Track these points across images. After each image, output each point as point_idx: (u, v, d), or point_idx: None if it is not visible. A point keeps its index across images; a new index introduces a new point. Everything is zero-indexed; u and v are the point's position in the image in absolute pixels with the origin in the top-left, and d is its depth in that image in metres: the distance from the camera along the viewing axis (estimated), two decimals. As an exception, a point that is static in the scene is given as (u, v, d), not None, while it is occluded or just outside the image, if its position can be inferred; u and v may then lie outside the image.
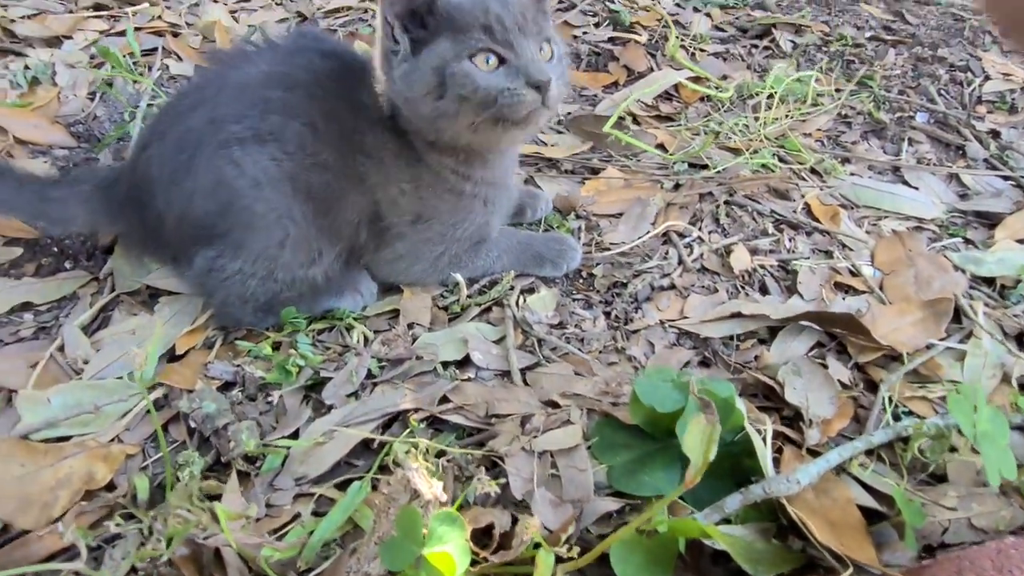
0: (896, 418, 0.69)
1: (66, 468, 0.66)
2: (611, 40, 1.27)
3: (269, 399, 0.73)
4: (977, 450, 0.65)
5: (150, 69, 1.18)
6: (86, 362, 0.77)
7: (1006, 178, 1.03)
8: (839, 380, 0.72)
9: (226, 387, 0.75)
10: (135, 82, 1.12)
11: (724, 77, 1.20)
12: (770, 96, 1.12)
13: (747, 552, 0.54)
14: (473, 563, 0.54)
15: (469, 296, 0.82)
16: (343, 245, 0.77)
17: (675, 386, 0.63)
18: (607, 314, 0.81)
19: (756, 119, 1.08)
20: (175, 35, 1.27)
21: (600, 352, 0.76)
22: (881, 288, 0.86)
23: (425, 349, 0.75)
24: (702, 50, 1.26)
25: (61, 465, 0.66)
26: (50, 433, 0.70)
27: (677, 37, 1.24)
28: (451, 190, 0.77)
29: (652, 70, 1.20)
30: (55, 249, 0.90)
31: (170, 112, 0.77)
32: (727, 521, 0.59)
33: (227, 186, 0.71)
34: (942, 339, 0.78)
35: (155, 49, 1.22)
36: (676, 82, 1.15)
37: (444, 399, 0.69)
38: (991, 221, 0.96)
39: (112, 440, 0.70)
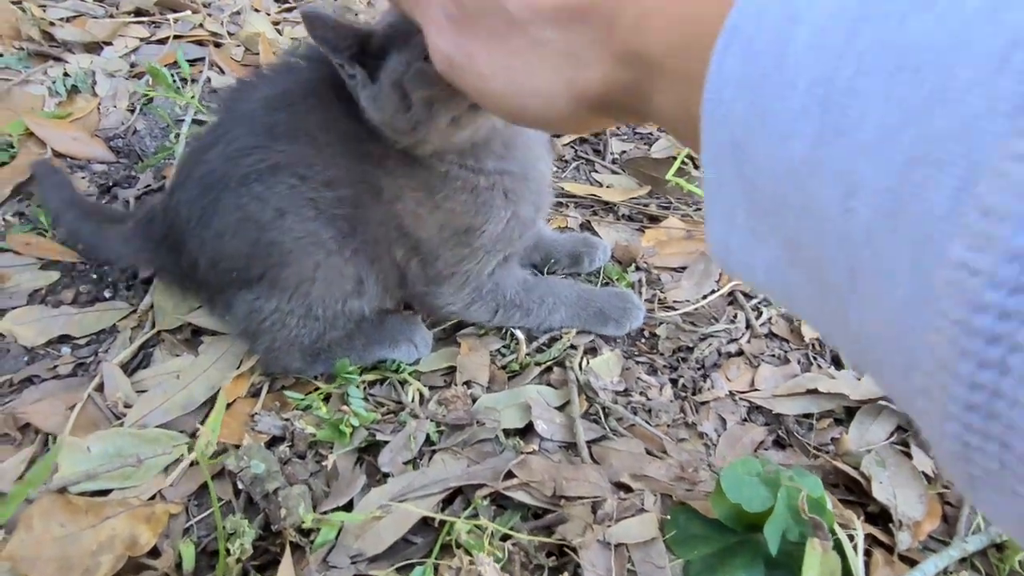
0: (988, 521, 0.65)
1: (108, 530, 0.63)
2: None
3: (320, 459, 0.69)
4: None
5: (192, 81, 1.14)
6: (127, 406, 0.73)
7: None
8: (923, 472, 0.68)
9: (273, 442, 0.71)
10: (177, 96, 1.08)
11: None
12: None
13: None
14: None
15: (528, 354, 0.78)
16: (387, 273, 0.73)
17: (763, 481, 0.60)
18: (673, 381, 0.77)
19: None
20: (217, 45, 1.23)
21: (669, 426, 0.72)
22: (956, 364, 0.82)
23: (486, 414, 0.71)
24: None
25: (103, 526, 0.63)
26: (89, 486, 0.66)
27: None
28: (463, 187, 0.70)
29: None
30: (93, 276, 0.86)
31: (193, 153, 0.73)
32: (817, 636, 0.55)
33: (253, 222, 0.67)
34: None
35: (199, 59, 1.18)
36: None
37: (509, 474, 0.65)
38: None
39: (154, 497, 0.67)
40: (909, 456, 0.69)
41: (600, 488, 0.64)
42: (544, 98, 0.37)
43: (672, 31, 0.30)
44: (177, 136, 1.03)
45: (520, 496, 0.65)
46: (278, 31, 1.28)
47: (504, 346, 0.79)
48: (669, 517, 0.63)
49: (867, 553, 0.61)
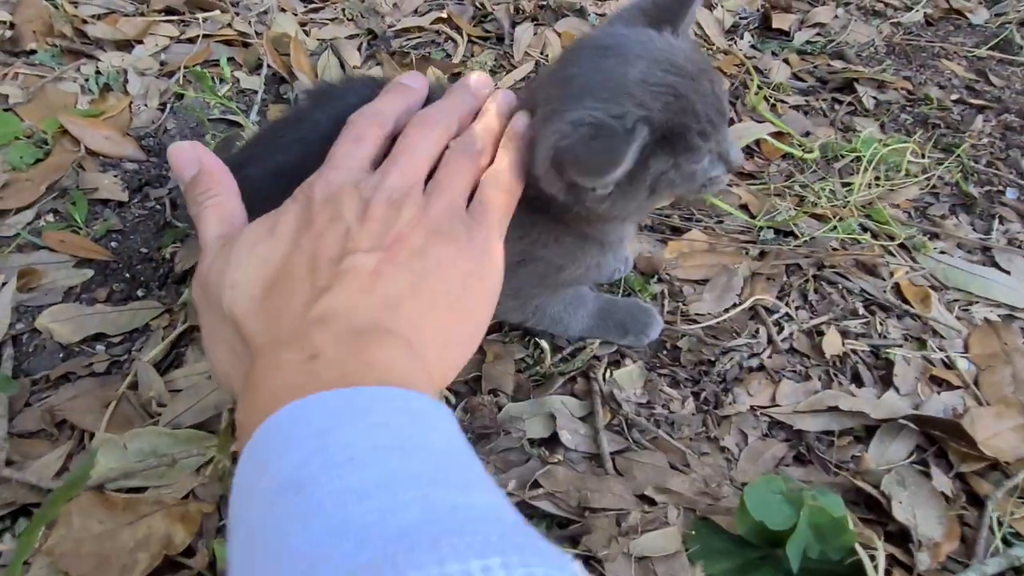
0: (1006, 542, 0.66)
1: (144, 528, 0.64)
2: (691, 84, 1.24)
3: (347, 461, 0.71)
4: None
5: (221, 81, 1.16)
6: (161, 405, 0.75)
7: (1102, 267, 0.99)
8: (942, 492, 0.69)
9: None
10: (214, 97, 1.09)
11: (807, 133, 1.16)
12: (857, 159, 1.09)
13: None
14: None
15: (553, 364, 0.79)
16: None
17: (786, 499, 0.61)
18: (695, 395, 0.78)
19: (845, 185, 1.05)
20: (245, 45, 1.25)
21: (691, 439, 0.73)
22: (976, 384, 0.83)
23: (512, 423, 0.72)
24: (783, 101, 1.23)
25: (140, 524, 0.65)
26: (125, 483, 0.68)
27: (759, 87, 1.21)
28: (570, 231, 0.68)
29: (732, 122, 1.17)
30: (127, 274, 0.88)
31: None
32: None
33: None
34: (1044, 450, 0.75)
35: (228, 59, 1.19)
36: (758, 137, 1.12)
37: (535, 484, 0.67)
38: (1087, 315, 0.93)
39: (187, 496, 0.68)
40: (929, 476, 0.70)
41: (624, 500, 0.65)
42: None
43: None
44: (213, 136, 1.05)
45: (545, 506, 0.66)
46: (305, 31, 1.29)
47: (528, 355, 0.81)
48: (692, 531, 0.64)
49: (887, 573, 0.62)
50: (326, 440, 0.33)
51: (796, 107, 1.23)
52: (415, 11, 1.36)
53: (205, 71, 1.10)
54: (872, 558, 0.59)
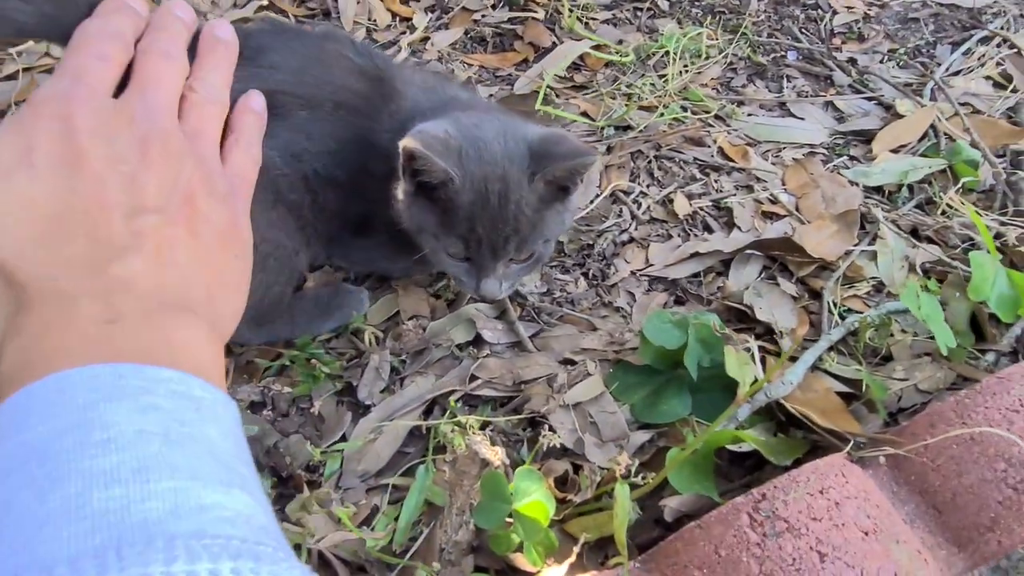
0: (842, 317, 0.83)
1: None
2: (510, 20, 1.34)
3: (302, 412, 0.78)
4: (906, 330, 0.81)
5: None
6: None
7: (869, 99, 1.20)
8: (790, 295, 0.86)
9: (253, 408, 0.78)
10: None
11: (620, 41, 1.30)
12: (666, 54, 1.24)
13: (767, 447, 0.66)
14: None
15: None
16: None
17: (674, 325, 0.74)
18: (584, 275, 0.90)
19: (661, 77, 1.20)
20: (66, 70, 1.22)
21: (590, 308, 0.86)
22: (797, 210, 1.00)
23: (438, 338, 0.82)
24: (593, 19, 1.36)
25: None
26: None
27: (570, 10, 1.33)
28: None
29: (555, 44, 1.29)
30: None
31: None
32: (740, 427, 0.71)
33: None
34: (855, 245, 0.93)
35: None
36: (581, 52, 1.25)
37: (472, 378, 0.77)
38: (866, 138, 1.13)
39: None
40: (777, 284, 0.87)
41: (550, 367, 0.77)
42: None
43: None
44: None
45: (486, 392, 0.76)
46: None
47: (434, 279, 0.90)
48: (610, 373, 0.76)
49: (762, 360, 0.77)
50: (89, 415, 0.31)
51: (605, 21, 1.37)
52: (234, 3, 1.37)
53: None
54: (747, 350, 0.74)
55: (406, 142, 0.65)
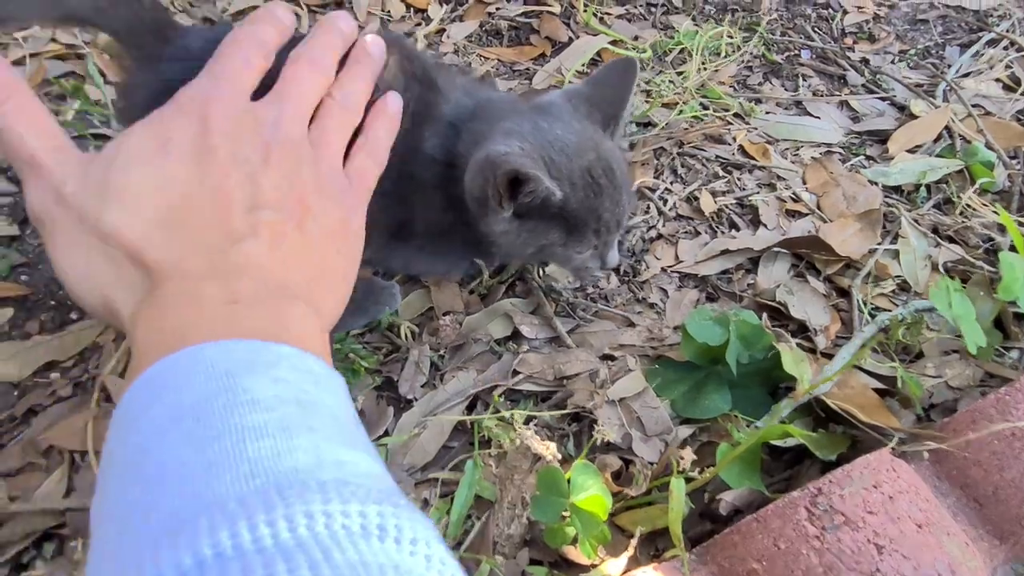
0: (872, 315, 0.85)
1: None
2: (525, 14, 1.34)
3: (341, 406, 0.78)
4: (932, 327, 0.83)
5: (66, 99, 1.12)
6: (143, 409, 0.77)
7: (883, 99, 1.23)
8: (820, 292, 0.87)
9: (291, 404, 0.78)
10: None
11: (635, 37, 1.31)
12: (683, 50, 1.25)
13: (813, 441, 0.68)
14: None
15: (490, 277, 0.89)
16: None
17: (715, 322, 0.75)
18: (615, 271, 0.91)
19: (679, 74, 1.21)
20: (79, 56, 1.20)
21: (624, 305, 0.87)
22: (819, 208, 1.02)
23: (476, 332, 0.82)
24: (608, 14, 1.37)
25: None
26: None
27: (585, 5, 1.33)
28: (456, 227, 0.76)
29: (571, 39, 1.29)
30: (51, 302, 0.87)
31: None
32: (782, 423, 0.72)
33: None
34: (879, 243, 0.95)
35: (68, 73, 1.15)
36: (599, 48, 1.25)
37: (514, 372, 0.77)
38: (881, 138, 1.15)
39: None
40: (807, 282, 0.88)
41: (591, 363, 0.78)
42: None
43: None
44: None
45: (528, 387, 0.77)
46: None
47: (468, 277, 0.90)
48: (650, 369, 0.77)
49: (799, 357, 0.78)
50: (231, 382, 0.34)
51: (620, 16, 1.37)
52: (247, -9, 1.35)
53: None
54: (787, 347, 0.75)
55: (508, 166, 0.61)
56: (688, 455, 0.61)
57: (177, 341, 0.36)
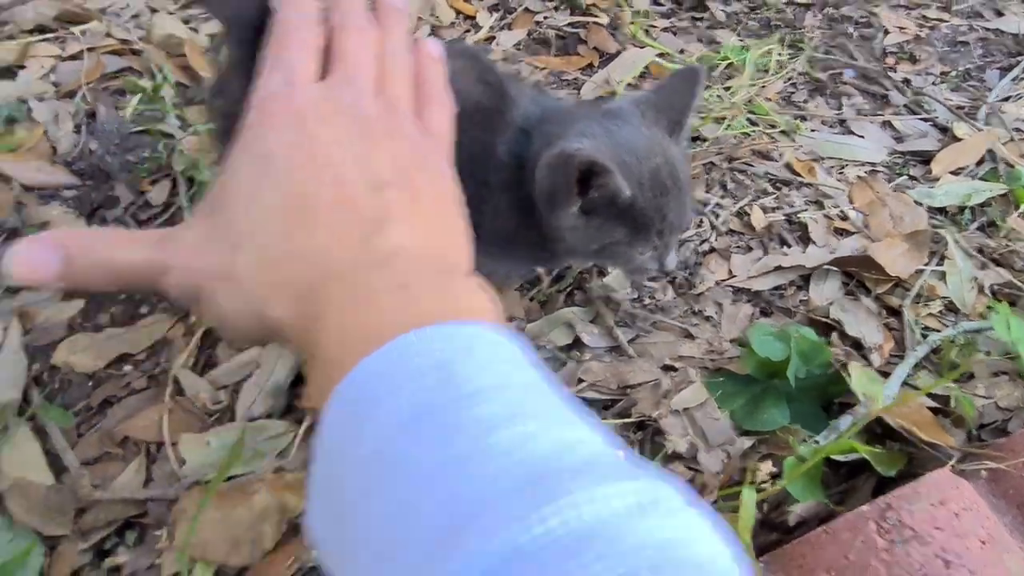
0: (923, 335, 0.87)
1: (259, 503, 0.71)
2: (572, 24, 1.36)
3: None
4: (979, 349, 0.85)
5: (125, 95, 1.14)
6: (216, 403, 0.79)
7: (925, 119, 1.25)
8: (872, 311, 0.89)
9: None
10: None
11: (681, 51, 1.33)
12: (729, 65, 1.27)
13: (876, 457, 0.70)
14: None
15: (548, 286, 0.91)
16: None
17: (776, 337, 0.78)
18: (671, 283, 0.93)
19: (726, 89, 1.23)
20: (134, 52, 1.22)
21: (681, 317, 0.89)
22: (866, 227, 1.04)
23: (537, 340, 0.84)
24: (653, 26, 1.39)
25: (252, 502, 0.71)
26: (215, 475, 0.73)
27: (632, 19, 1.36)
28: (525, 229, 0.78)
29: (619, 51, 1.31)
30: (121, 296, 0.89)
31: None
32: (839, 438, 0.74)
33: None
34: (925, 264, 0.97)
35: (124, 70, 1.17)
36: (648, 62, 1.27)
37: (579, 380, 0.80)
38: (924, 158, 1.17)
39: (277, 471, 0.75)
40: (859, 300, 0.90)
41: (653, 373, 0.80)
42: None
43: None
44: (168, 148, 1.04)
45: (591, 395, 0.79)
46: (193, 29, 1.28)
47: (528, 284, 0.92)
48: (711, 381, 0.79)
49: (854, 374, 0.80)
50: (444, 374, 0.32)
51: (665, 30, 1.39)
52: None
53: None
54: (844, 365, 0.78)
55: (584, 156, 0.63)
56: (766, 467, 0.63)
57: (367, 341, 0.34)
